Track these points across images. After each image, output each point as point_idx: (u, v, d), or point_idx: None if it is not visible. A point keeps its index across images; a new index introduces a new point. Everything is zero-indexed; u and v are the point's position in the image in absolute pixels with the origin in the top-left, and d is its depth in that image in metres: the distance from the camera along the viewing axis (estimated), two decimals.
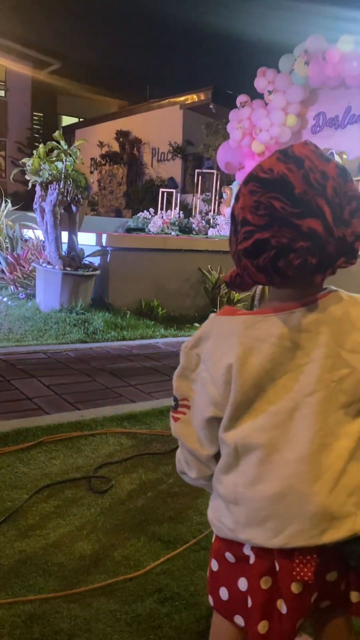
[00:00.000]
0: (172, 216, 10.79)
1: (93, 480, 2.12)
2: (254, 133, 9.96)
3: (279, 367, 0.88)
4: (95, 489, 2.06)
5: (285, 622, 0.91)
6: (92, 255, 5.33)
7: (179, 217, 10.84)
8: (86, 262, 5.21)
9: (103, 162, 18.84)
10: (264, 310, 0.90)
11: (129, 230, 11.75)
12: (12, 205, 7.09)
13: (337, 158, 8.97)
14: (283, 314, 0.88)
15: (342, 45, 8.55)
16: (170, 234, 10.01)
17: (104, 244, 5.42)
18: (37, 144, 5.08)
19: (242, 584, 0.96)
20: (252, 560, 0.93)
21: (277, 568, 0.91)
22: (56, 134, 4.91)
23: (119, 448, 2.43)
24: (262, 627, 0.92)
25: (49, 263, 5.03)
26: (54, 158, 4.83)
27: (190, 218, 11.15)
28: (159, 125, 17.34)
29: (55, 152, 4.88)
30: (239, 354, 0.88)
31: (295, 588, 0.89)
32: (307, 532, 0.88)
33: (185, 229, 10.66)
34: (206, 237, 8.86)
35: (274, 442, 0.88)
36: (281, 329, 0.88)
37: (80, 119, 22.95)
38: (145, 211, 11.91)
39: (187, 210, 12.43)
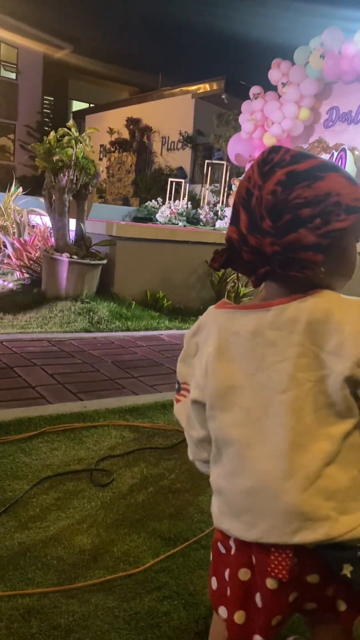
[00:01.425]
0: (180, 206, 10.73)
1: (94, 473, 2.11)
2: (266, 125, 9.86)
3: (253, 362, 0.90)
4: (96, 482, 2.05)
5: (261, 616, 0.92)
6: (99, 244, 5.29)
7: (187, 207, 10.78)
8: (93, 251, 5.18)
9: (112, 149, 18.74)
10: (248, 305, 0.93)
11: (136, 219, 11.70)
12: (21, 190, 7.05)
13: (349, 154, 8.88)
14: (261, 311, 0.89)
15: (359, 39, 8.43)
16: (177, 224, 9.96)
17: (111, 233, 5.39)
18: (46, 128, 5.03)
19: (227, 574, 0.98)
20: (232, 551, 0.96)
21: (254, 562, 0.93)
22: (70, 122, 4.86)
23: (121, 441, 2.42)
24: (239, 617, 0.95)
25: (55, 250, 5.00)
26: (65, 145, 4.79)
27: (198, 209, 11.08)
28: (170, 114, 17.22)
29: (66, 138, 4.83)
30: (216, 345, 0.92)
31: (270, 584, 0.90)
32: (279, 529, 0.88)
33: (193, 220, 10.60)
34: (214, 229, 8.81)
35: (248, 438, 0.90)
36: (256, 325, 0.89)
37: (91, 105, 22.79)
38: (153, 200, 11.85)
39: (195, 200, 12.35)
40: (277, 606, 0.92)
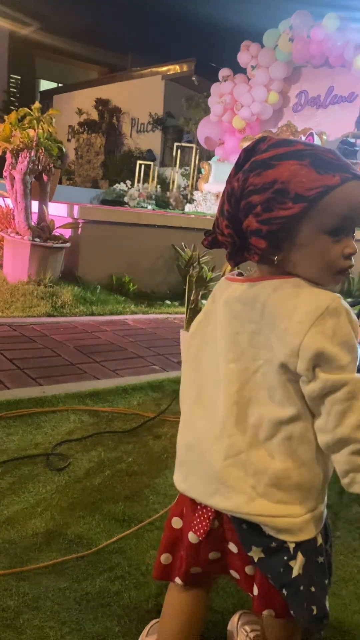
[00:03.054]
0: (149, 189, 10.65)
1: (51, 458, 2.11)
2: (235, 109, 9.83)
3: (219, 330, 0.96)
4: (52, 467, 2.05)
5: (183, 563, 1.02)
6: (62, 227, 5.22)
7: (156, 190, 10.70)
8: (56, 234, 5.11)
9: (81, 130, 18.40)
10: (235, 278, 0.97)
11: (104, 202, 11.56)
12: None
13: (316, 138, 8.93)
14: (236, 284, 0.94)
15: (327, 23, 8.44)
16: (146, 207, 9.88)
17: (75, 216, 5.32)
18: (12, 107, 4.90)
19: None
20: (175, 500, 1.07)
21: (184, 513, 1.02)
22: (35, 104, 4.74)
23: (80, 426, 2.42)
24: (165, 558, 1.06)
25: (17, 233, 4.91)
26: (26, 125, 4.68)
27: (168, 192, 11.01)
28: (140, 95, 16.97)
29: (28, 118, 4.72)
30: (204, 309, 1.02)
31: (192, 538, 0.99)
32: (201, 487, 0.95)
33: (162, 203, 10.53)
34: (182, 213, 8.78)
35: (201, 397, 0.98)
36: (228, 296, 0.95)
37: (59, 84, 22.27)
38: (122, 183, 11.71)
39: (165, 184, 12.25)
40: (196, 559, 1.00)
